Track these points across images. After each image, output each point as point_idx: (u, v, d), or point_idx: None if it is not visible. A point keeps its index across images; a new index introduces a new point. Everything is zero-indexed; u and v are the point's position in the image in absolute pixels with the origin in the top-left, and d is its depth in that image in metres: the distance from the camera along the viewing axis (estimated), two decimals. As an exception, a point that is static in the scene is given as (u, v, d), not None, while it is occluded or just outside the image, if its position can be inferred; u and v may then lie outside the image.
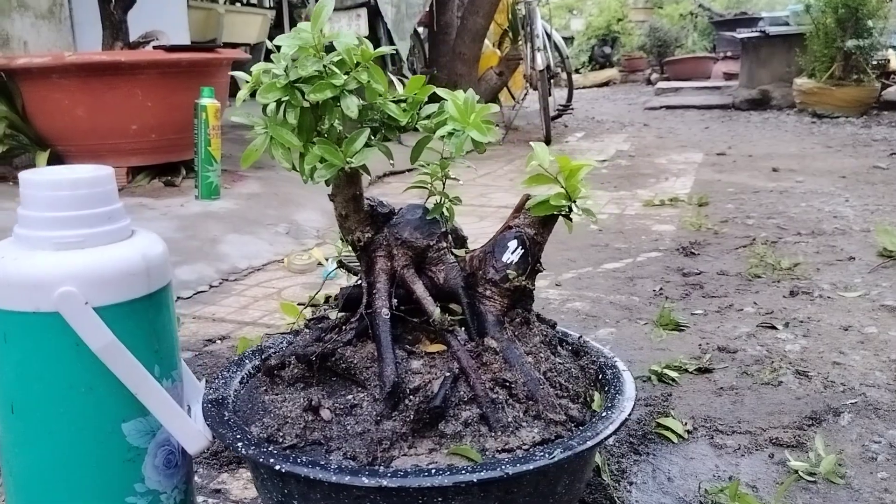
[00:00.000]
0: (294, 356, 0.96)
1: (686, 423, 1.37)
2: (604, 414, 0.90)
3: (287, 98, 0.90)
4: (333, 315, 1.07)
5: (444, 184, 1.07)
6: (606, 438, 0.85)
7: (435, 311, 0.97)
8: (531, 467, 0.79)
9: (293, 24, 9.78)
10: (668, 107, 7.80)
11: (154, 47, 3.25)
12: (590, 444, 0.82)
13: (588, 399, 0.99)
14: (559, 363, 1.00)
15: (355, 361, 0.95)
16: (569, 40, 12.11)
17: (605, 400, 0.97)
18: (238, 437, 0.85)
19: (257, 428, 0.89)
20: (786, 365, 1.61)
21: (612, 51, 12.38)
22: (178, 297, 2.16)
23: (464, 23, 5.95)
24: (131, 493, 0.85)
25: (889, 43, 7.11)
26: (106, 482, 0.84)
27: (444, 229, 1.05)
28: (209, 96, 2.92)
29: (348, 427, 0.89)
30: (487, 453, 0.86)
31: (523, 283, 1.01)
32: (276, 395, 0.97)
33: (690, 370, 1.60)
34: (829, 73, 6.48)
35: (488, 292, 1.00)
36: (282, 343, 1.11)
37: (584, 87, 10.86)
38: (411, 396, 0.89)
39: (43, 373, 0.80)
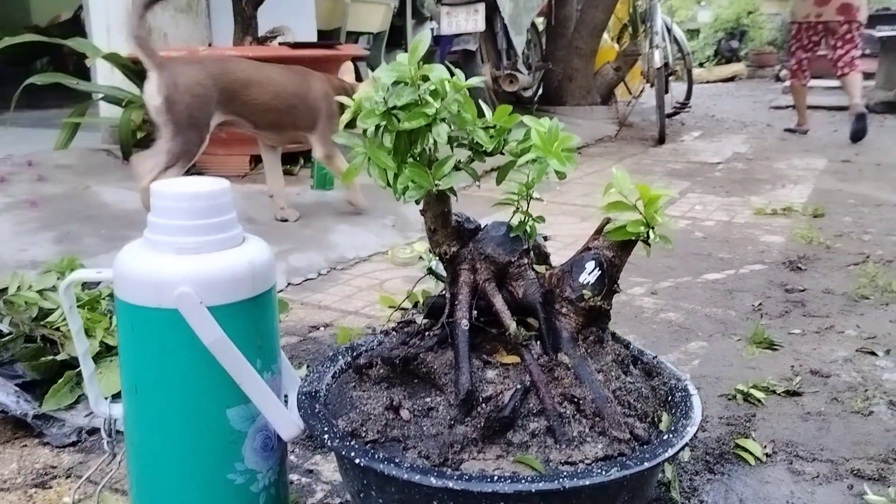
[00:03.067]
0: (380, 357, 1.05)
1: (766, 447, 1.37)
2: (666, 437, 0.94)
3: (384, 123, 0.98)
4: (420, 319, 1.15)
5: (528, 203, 1.12)
6: (665, 461, 0.89)
7: (512, 324, 1.03)
8: (588, 483, 0.84)
9: (415, 12, 9.97)
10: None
11: (280, 43, 3.44)
12: (647, 465, 0.87)
13: (656, 419, 1.03)
14: (630, 382, 1.04)
15: (435, 367, 1.03)
16: (694, 33, 11.74)
17: (671, 422, 1.01)
18: (325, 429, 0.94)
19: (343, 422, 0.99)
20: (880, 394, 1.57)
21: (741, 45, 11.89)
22: (289, 284, 2.31)
23: (582, 17, 5.91)
24: (232, 471, 0.96)
25: None
26: (211, 459, 0.95)
27: (525, 246, 1.11)
28: (328, 91, 3.07)
29: (424, 428, 0.97)
30: (551, 465, 0.92)
31: (598, 303, 1.05)
32: (363, 391, 1.06)
33: (778, 392, 1.59)
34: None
35: (564, 310, 1.06)
36: (372, 343, 1.20)
37: (707, 82, 10.51)
38: (483, 404, 0.96)
39: (162, 360, 0.92)
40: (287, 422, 0.98)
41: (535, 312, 1.07)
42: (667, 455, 0.89)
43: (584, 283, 1.05)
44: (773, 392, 1.59)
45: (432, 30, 11.19)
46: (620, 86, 6.48)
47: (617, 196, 1.02)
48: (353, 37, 8.17)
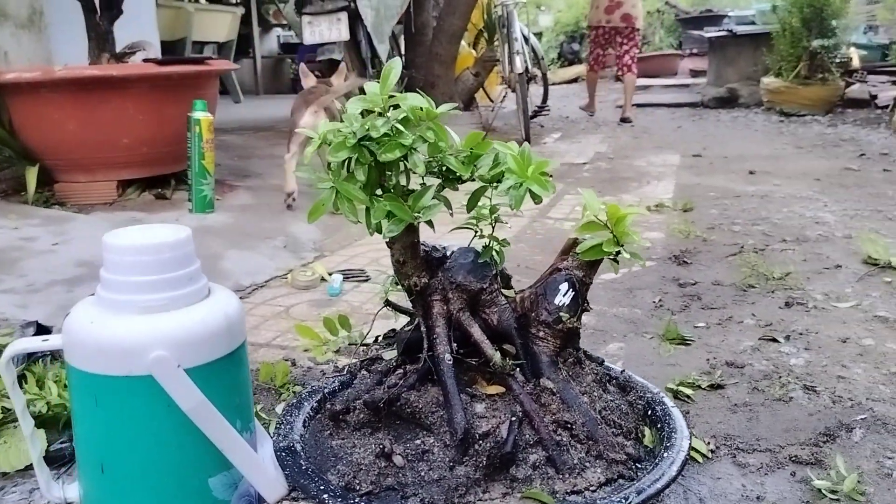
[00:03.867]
0: (363, 402, 0.99)
1: (709, 443, 1.43)
2: (665, 454, 0.95)
3: (356, 156, 0.93)
4: (387, 356, 1.10)
5: (493, 227, 1.10)
6: (674, 480, 0.90)
7: (495, 355, 1.01)
8: (610, 512, 0.83)
9: (261, 21, 9.70)
10: (638, 105, 7.91)
11: (144, 60, 3.22)
12: (660, 485, 0.87)
13: (640, 435, 1.04)
14: (611, 400, 1.05)
15: (420, 406, 0.99)
16: (537, 36, 12.19)
17: (657, 437, 1.02)
18: (321, 487, 0.88)
19: (334, 476, 0.92)
20: (793, 380, 1.68)
21: (581, 47, 12.49)
22: (187, 318, 2.16)
23: (440, 23, 5.97)
24: (217, 545, 0.88)
25: (850, 41, 7.31)
26: (194, 536, 0.86)
27: (494, 272, 1.09)
28: (202, 109, 2.91)
29: (422, 473, 0.92)
30: (557, 496, 0.91)
31: (575, 324, 1.05)
32: (343, 439, 1.00)
33: (703, 386, 1.66)
34: (796, 72, 6.65)
35: (541, 333, 1.05)
36: (334, 384, 1.14)
37: (552, 84, 10.94)
38: (481, 441, 0.93)
39: (134, 433, 0.82)
40: (272, 483, 0.91)
41: (511, 338, 1.05)
42: (674, 471, 0.89)
43: (560, 304, 1.05)
44: (699, 387, 1.66)
45: (279, 37, 10.93)
46: (480, 91, 6.60)
47: (589, 217, 1.02)
48: (198, 47, 7.82)
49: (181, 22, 7.26)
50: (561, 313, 1.04)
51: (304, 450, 0.98)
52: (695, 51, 9.87)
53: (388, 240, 1.05)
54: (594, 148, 5.36)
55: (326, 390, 1.13)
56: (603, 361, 1.13)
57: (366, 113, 0.93)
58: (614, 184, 4.08)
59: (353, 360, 1.12)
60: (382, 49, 5.18)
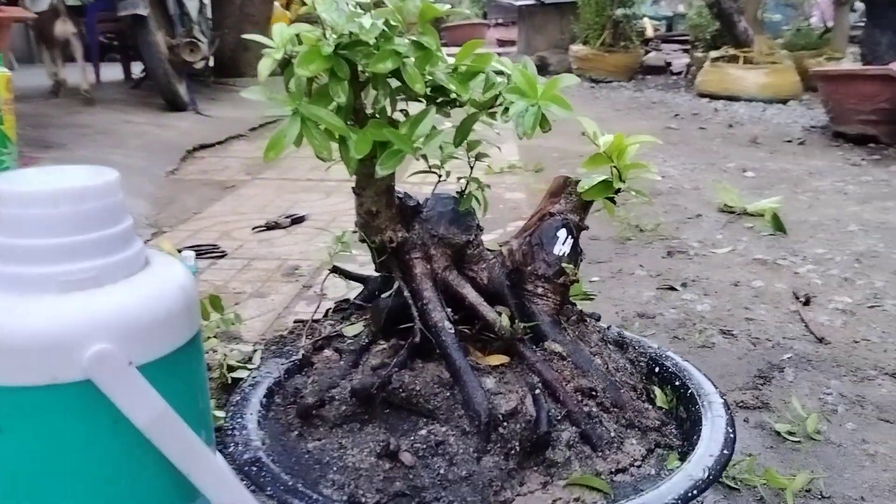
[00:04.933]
0: (350, 390, 0.78)
1: (655, 398, 1.35)
2: (704, 414, 0.83)
3: (332, 68, 0.71)
4: (351, 331, 0.89)
5: (472, 168, 0.92)
6: (734, 440, 0.78)
7: (499, 318, 0.83)
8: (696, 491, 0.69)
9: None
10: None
11: None
12: (727, 451, 0.75)
13: (651, 395, 0.92)
14: (617, 360, 0.91)
15: (418, 388, 0.79)
16: None
17: (672, 396, 0.90)
18: (324, 507, 0.67)
19: (329, 489, 0.71)
20: (708, 326, 1.66)
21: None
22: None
23: (251, -18, 5.54)
24: None
25: (643, 13, 7.78)
26: None
27: (478, 221, 0.91)
28: (-5, 64, 2.40)
29: (441, 471, 0.73)
30: (602, 478, 0.76)
31: (578, 275, 0.90)
32: (322, 440, 0.78)
33: (626, 341, 1.59)
34: (601, 41, 6.95)
35: (540, 290, 0.89)
36: (275, 373, 0.91)
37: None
38: (506, 423, 0.76)
39: (64, 469, 0.56)
40: (250, 509, 0.67)
41: (504, 298, 0.88)
42: (732, 433, 0.78)
43: (561, 254, 0.89)
44: (622, 342, 1.59)
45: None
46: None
47: (596, 149, 0.87)
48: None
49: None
50: (563, 264, 0.89)
51: (274, 460, 0.75)
52: (500, 21, 10.07)
53: (356, 185, 0.83)
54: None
55: (271, 381, 0.89)
56: (600, 317, 0.99)
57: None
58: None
59: (305, 341, 0.90)
60: (193, 5, 4.70)
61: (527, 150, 3.85)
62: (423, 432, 0.77)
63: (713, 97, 5.59)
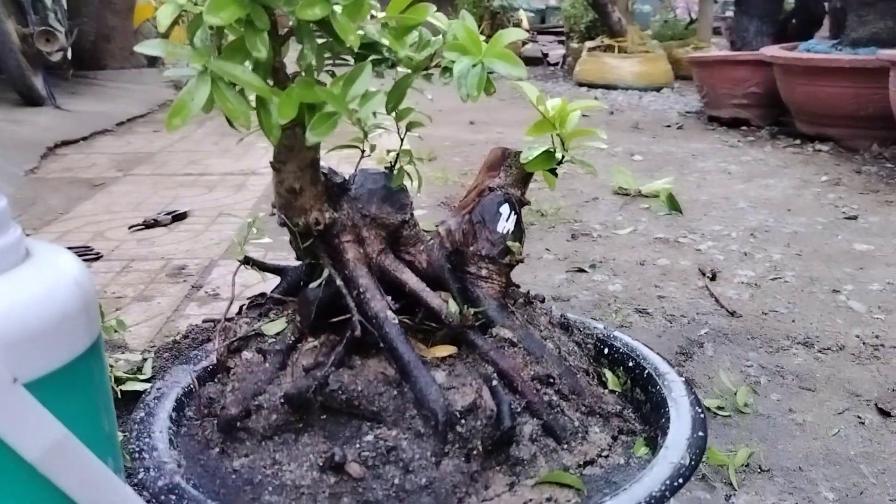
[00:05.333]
0: (283, 396, 0.67)
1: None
2: (666, 398, 0.77)
3: (248, 17, 0.60)
4: (271, 329, 0.78)
5: (402, 140, 0.83)
6: (705, 423, 0.73)
7: (447, 305, 0.75)
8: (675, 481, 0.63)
9: None
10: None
11: None
12: (702, 433, 0.70)
13: (602, 378, 0.86)
14: (566, 343, 0.85)
15: (360, 388, 0.69)
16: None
17: (625, 379, 0.85)
18: (270, 537, 0.56)
19: (267, 514, 0.60)
20: (623, 305, 1.64)
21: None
22: None
23: (111, -33, 5.17)
24: None
25: (519, 5, 7.88)
26: None
27: (411, 199, 0.82)
28: None
29: (395, 480, 0.64)
30: (571, 472, 0.69)
31: (522, 256, 0.83)
32: (248, 456, 0.67)
33: (544, 326, 1.55)
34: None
35: (484, 272, 0.81)
36: (178, 382, 0.78)
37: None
38: (464, 420, 0.67)
39: (-71, 524, 0.43)
40: (173, 548, 0.56)
41: (444, 283, 0.80)
42: (702, 413, 0.73)
43: (505, 232, 0.81)
44: (541, 327, 1.54)
45: None
46: (164, 47, 5.89)
47: (540, 114, 0.80)
48: None
49: None
50: (508, 243, 0.81)
51: (196, 484, 0.63)
52: (376, 12, 9.94)
53: (275, 159, 0.72)
54: (306, 105, 5.06)
55: (179, 392, 0.77)
56: (545, 299, 0.92)
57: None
58: (345, 137, 3.86)
59: (215, 343, 0.78)
60: (46, -9, 4.31)
61: (415, 140, 3.77)
62: (370, 438, 0.67)
63: (591, 86, 5.71)
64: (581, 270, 1.87)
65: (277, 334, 0.77)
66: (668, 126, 4.04)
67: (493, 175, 0.85)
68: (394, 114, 0.79)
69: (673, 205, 2.37)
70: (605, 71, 5.66)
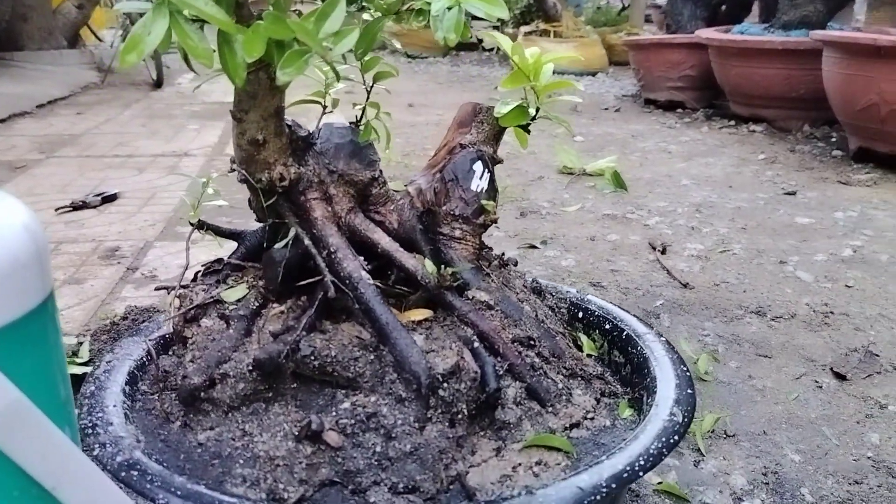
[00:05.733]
0: (252, 362, 0.62)
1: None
2: (649, 359, 0.75)
3: (212, -56, 0.54)
4: (232, 295, 0.73)
5: (368, 93, 0.79)
6: (692, 382, 0.71)
7: (422, 265, 0.70)
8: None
9: None
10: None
11: None
12: (691, 390, 0.67)
13: (577, 342, 0.83)
14: (544, 308, 0.82)
15: (333, 354, 0.64)
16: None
17: (602, 342, 0.83)
18: (247, 511, 0.51)
19: (239, 486, 0.55)
20: (577, 279, 1.63)
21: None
22: None
23: (26, -58, 4.90)
24: None
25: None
26: None
27: (380, 156, 0.78)
28: None
29: (377, 448, 0.60)
30: (558, 434, 0.66)
31: (497, 213, 0.80)
32: (213, 428, 0.62)
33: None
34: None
35: (458, 232, 0.77)
36: (131, 352, 0.72)
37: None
38: (446, 384, 0.63)
39: None
40: (137, 528, 0.50)
41: (416, 244, 0.76)
42: (687, 371, 0.71)
43: (479, 190, 0.78)
44: (496, 302, 1.51)
45: None
46: (85, 28, 5.63)
47: (515, 64, 0.76)
48: None
49: None
50: (483, 201, 0.77)
51: (158, 459, 0.58)
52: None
53: (236, 107, 0.67)
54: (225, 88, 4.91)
55: (131, 365, 0.71)
56: (517, 262, 0.89)
57: None
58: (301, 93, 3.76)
59: (169, 310, 0.72)
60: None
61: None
62: (346, 405, 0.63)
63: (528, 70, 5.73)
64: (532, 247, 1.85)
65: (239, 300, 0.72)
66: (606, 109, 4.07)
67: (463, 132, 0.81)
68: (360, 63, 0.74)
69: (618, 182, 2.37)
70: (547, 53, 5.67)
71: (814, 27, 3.12)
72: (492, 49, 7.38)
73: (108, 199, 2.22)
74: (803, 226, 1.98)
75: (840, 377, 1.21)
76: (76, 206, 2.13)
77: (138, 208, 2.16)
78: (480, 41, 7.65)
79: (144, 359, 0.71)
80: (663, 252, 1.78)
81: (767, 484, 0.95)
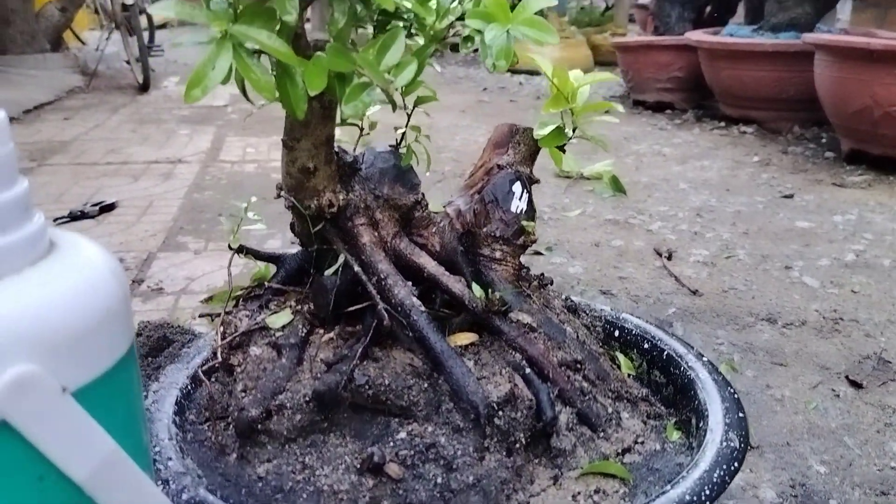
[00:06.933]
0: (312, 393, 0.61)
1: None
2: (693, 380, 0.76)
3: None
4: (277, 322, 0.72)
5: (409, 116, 0.79)
6: (738, 398, 0.71)
7: (470, 291, 0.71)
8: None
9: None
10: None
11: None
12: (741, 413, 0.68)
13: (615, 362, 0.84)
14: (581, 328, 0.82)
15: (387, 382, 0.64)
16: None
17: (640, 362, 0.83)
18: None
19: (308, 524, 0.55)
20: (586, 287, 1.63)
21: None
22: None
23: (7, -57, 4.83)
24: None
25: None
26: None
27: (419, 180, 0.78)
28: None
29: (438, 479, 0.60)
30: (612, 461, 0.66)
31: (537, 234, 0.80)
32: (272, 461, 0.62)
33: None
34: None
35: (498, 253, 0.77)
36: (174, 382, 0.72)
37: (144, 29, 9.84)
38: (501, 412, 0.64)
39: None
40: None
41: (458, 266, 0.76)
42: (735, 394, 0.71)
43: (518, 211, 0.78)
44: (508, 312, 1.52)
45: None
46: (68, 31, 5.56)
47: (555, 88, 0.77)
48: None
49: None
50: (523, 222, 0.78)
51: (223, 496, 0.57)
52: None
53: (288, 136, 0.66)
54: (226, 90, 4.88)
55: (176, 394, 0.70)
56: (552, 281, 0.89)
57: None
58: (272, 123, 3.74)
59: (214, 339, 0.71)
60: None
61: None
62: (403, 435, 0.63)
63: (515, 71, 5.72)
64: (538, 253, 1.86)
65: (285, 327, 0.71)
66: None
67: (500, 152, 0.81)
68: (401, 88, 0.74)
69: (617, 186, 2.38)
70: (527, 57, 5.68)
71: (802, 29, 3.15)
72: (476, 49, 7.37)
73: (106, 208, 2.20)
74: (804, 230, 2.00)
75: (856, 385, 1.22)
76: (74, 217, 2.11)
77: (137, 218, 2.14)
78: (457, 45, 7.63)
79: (189, 387, 0.71)
80: (669, 258, 1.79)
81: (797, 497, 0.96)
